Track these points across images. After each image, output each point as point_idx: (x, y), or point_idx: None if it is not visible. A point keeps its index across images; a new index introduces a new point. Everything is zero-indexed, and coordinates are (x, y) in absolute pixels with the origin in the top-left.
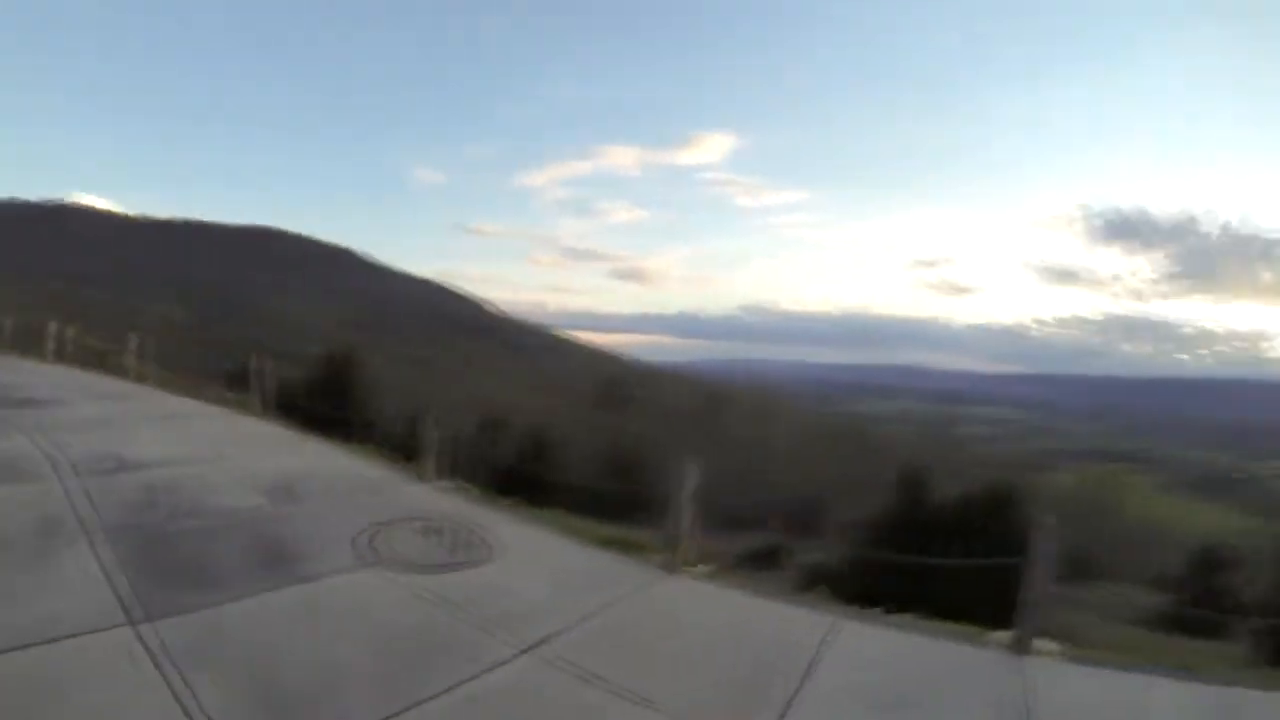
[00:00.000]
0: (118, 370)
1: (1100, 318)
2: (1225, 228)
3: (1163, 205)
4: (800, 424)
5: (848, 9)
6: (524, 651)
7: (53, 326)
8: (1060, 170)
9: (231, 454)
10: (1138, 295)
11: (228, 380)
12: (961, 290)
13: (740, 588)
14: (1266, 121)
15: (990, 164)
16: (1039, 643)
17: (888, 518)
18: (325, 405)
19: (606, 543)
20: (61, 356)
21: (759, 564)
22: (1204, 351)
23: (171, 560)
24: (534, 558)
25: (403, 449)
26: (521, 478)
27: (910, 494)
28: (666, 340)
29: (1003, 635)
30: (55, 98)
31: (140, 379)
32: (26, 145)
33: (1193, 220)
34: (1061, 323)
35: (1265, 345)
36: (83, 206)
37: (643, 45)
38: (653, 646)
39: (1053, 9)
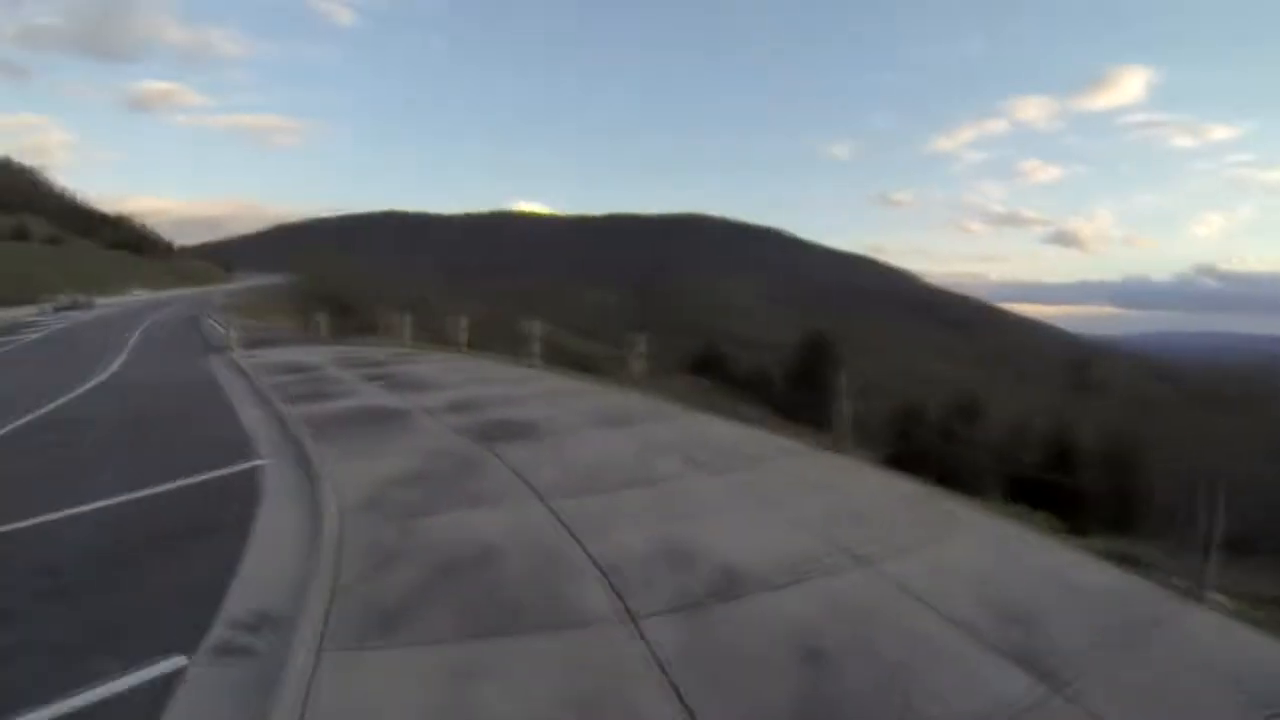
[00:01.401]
0: (602, 375)
1: None
2: None
3: None
4: None
5: None
6: None
7: (535, 327)
8: None
9: (874, 546)
10: None
11: (692, 368)
12: None
13: None
14: None
15: None
16: None
17: None
18: (801, 397)
19: None
20: (519, 357)
21: None
22: None
23: None
24: None
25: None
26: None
27: None
28: (1109, 311)
29: None
30: (491, 122)
31: (635, 386)
32: (472, 165)
33: None
34: None
35: None
36: (521, 213)
37: None
38: None
39: None
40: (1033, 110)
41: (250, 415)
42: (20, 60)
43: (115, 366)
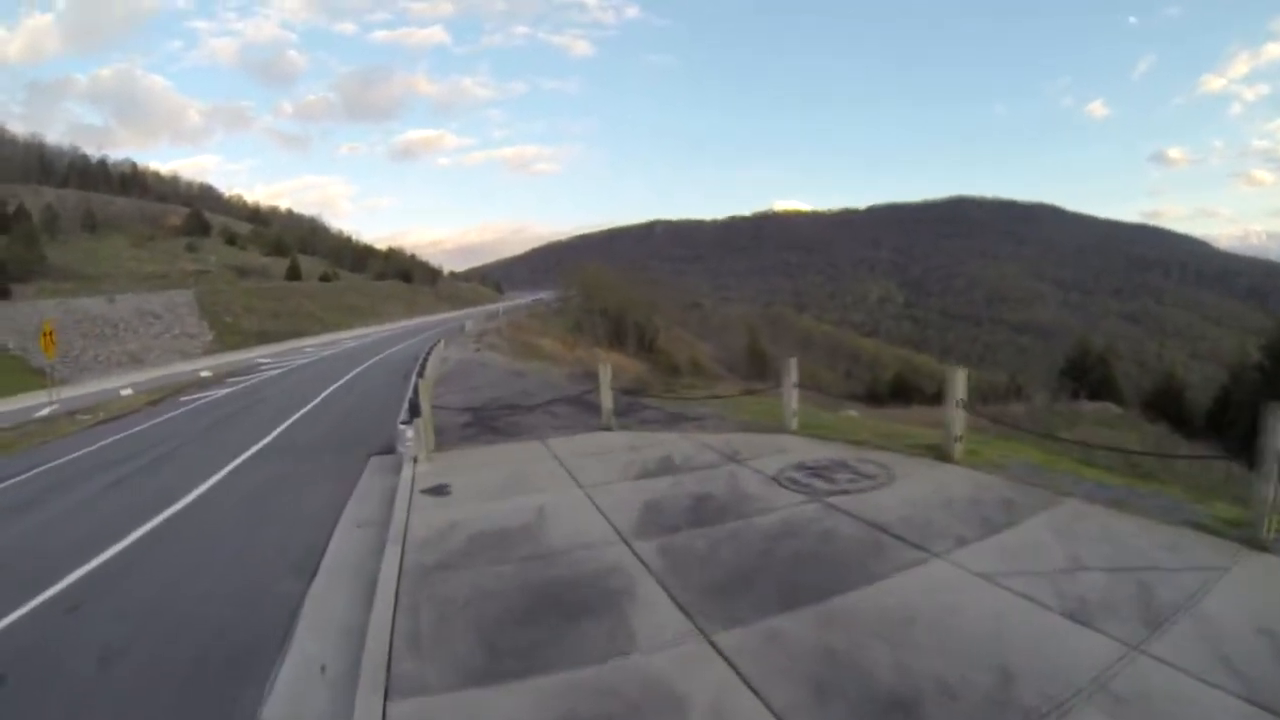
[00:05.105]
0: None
1: None
2: None
3: None
4: None
5: None
6: None
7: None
8: None
9: None
10: None
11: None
12: None
13: None
14: None
15: None
16: None
17: None
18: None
19: None
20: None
21: None
22: None
23: None
24: None
25: None
26: None
27: None
28: None
29: None
30: (739, 127)
31: None
32: (728, 170)
33: None
34: None
35: None
36: (783, 212)
37: None
38: None
39: None
40: None
41: None
42: (298, 131)
43: (183, 504)
